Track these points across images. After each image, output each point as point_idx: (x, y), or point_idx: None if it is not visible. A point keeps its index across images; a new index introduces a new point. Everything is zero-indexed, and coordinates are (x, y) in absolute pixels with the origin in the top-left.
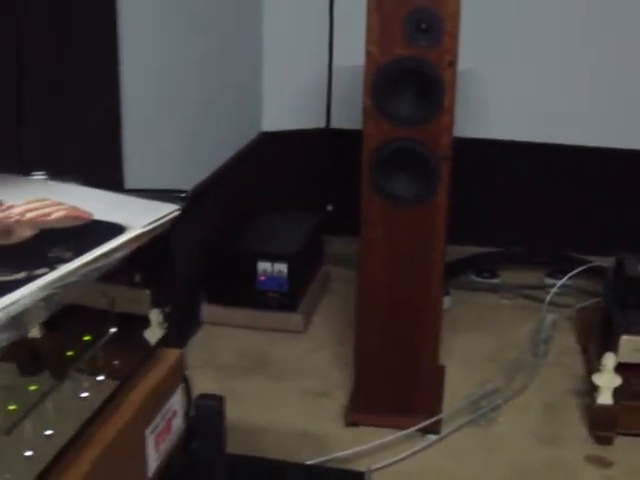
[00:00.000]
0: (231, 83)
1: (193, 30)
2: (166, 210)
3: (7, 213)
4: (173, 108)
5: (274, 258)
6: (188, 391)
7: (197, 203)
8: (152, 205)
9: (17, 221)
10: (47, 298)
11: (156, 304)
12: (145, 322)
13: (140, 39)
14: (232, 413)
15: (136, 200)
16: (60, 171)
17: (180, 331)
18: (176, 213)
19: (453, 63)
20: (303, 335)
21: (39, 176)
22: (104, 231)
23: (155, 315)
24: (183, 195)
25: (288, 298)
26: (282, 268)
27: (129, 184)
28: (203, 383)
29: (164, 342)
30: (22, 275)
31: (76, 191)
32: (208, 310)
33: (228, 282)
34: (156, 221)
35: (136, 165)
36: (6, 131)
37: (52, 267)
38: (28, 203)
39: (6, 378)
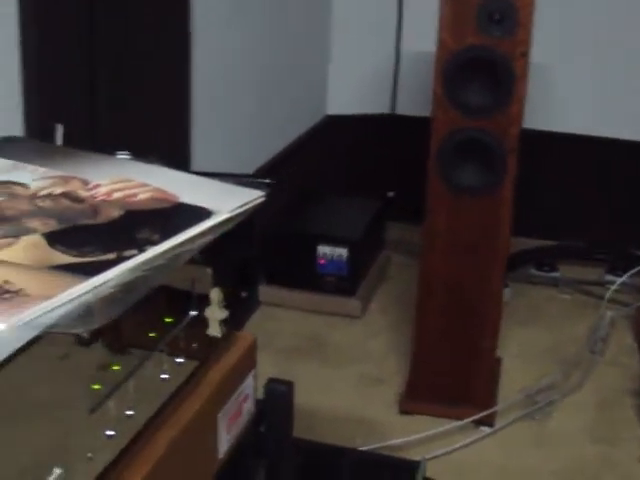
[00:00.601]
0: (298, 66)
1: (263, 12)
2: (251, 196)
3: (93, 192)
4: (239, 90)
5: (335, 242)
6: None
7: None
8: (236, 190)
9: (104, 201)
10: (135, 280)
11: (217, 283)
12: (205, 301)
13: (210, 22)
14: None
15: (220, 184)
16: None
17: (239, 311)
18: (261, 199)
19: (525, 54)
20: (360, 320)
21: (123, 156)
22: (190, 214)
23: (216, 294)
24: (268, 182)
25: (347, 283)
26: (342, 252)
27: (195, 166)
28: (260, 365)
29: (227, 322)
30: (112, 256)
31: (160, 172)
32: (266, 291)
33: (288, 264)
34: (242, 206)
35: (202, 147)
36: (85, 111)
37: (141, 249)
38: (114, 183)
39: (91, 358)
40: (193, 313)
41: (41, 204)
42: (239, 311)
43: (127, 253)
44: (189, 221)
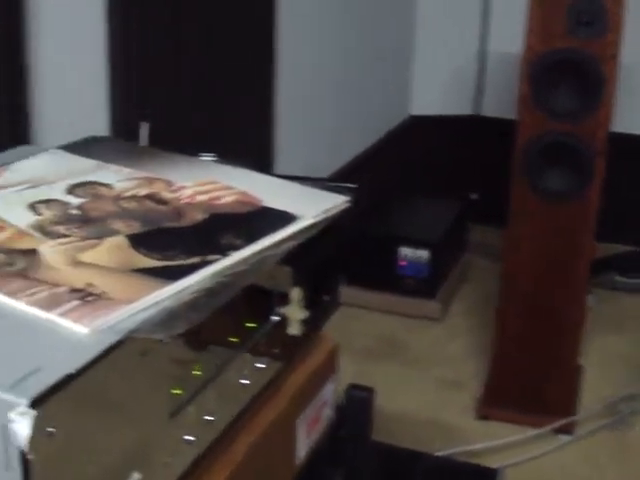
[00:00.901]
0: (381, 65)
1: (347, 12)
2: (336, 201)
3: (178, 195)
4: (322, 90)
5: (416, 244)
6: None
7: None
8: (321, 195)
9: (188, 203)
10: (218, 285)
11: (297, 282)
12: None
13: (295, 22)
14: None
15: (304, 189)
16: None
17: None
18: (345, 205)
19: (615, 56)
20: (440, 323)
21: (208, 158)
22: (274, 219)
23: (296, 294)
24: (352, 187)
25: (427, 285)
26: (424, 254)
27: (277, 167)
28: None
29: (307, 323)
30: (196, 260)
31: (244, 175)
32: (347, 292)
33: (368, 265)
34: (327, 212)
35: (285, 148)
36: (170, 111)
37: (224, 254)
38: (198, 185)
39: (172, 363)
40: (275, 318)
41: (125, 205)
42: (319, 312)
43: (210, 258)
44: (273, 226)
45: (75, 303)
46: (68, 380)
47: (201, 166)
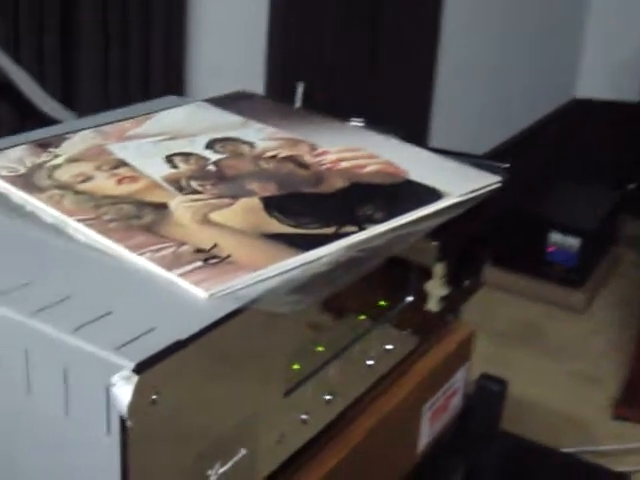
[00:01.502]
0: (548, 44)
1: None
2: (486, 180)
3: (320, 159)
4: (483, 65)
5: (568, 231)
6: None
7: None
8: (472, 172)
9: (329, 169)
10: (351, 260)
11: (442, 258)
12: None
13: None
14: None
15: (455, 164)
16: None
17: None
18: (496, 185)
19: None
20: (582, 315)
21: (357, 123)
22: (418, 194)
23: (440, 269)
24: (506, 166)
25: (575, 274)
26: (574, 242)
27: (432, 141)
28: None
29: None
30: (330, 230)
31: (393, 145)
32: (491, 272)
33: (515, 247)
34: (475, 191)
35: (440, 122)
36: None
37: (361, 226)
38: (343, 151)
39: (293, 337)
40: (409, 299)
41: (264, 166)
42: (460, 293)
43: (346, 229)
44: (416, 201)
45: (197, 264)
46: (178, 346)
47: (349, 131)
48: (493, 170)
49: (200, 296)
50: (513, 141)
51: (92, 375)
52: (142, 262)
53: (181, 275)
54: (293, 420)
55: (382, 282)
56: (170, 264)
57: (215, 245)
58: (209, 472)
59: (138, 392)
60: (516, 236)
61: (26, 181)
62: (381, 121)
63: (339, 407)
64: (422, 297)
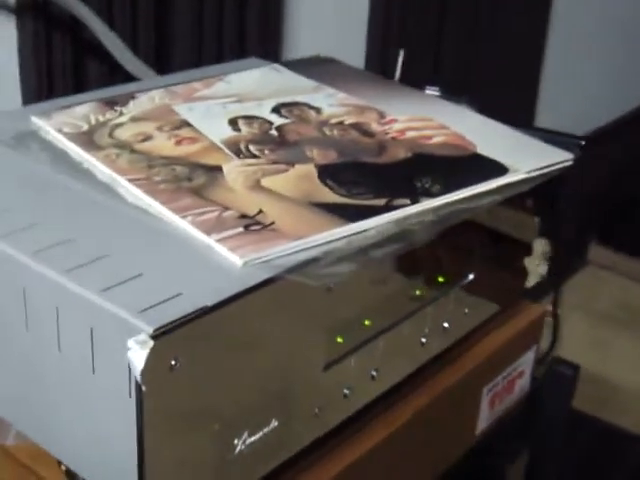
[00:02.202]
0: None
1: None
2: (557, 157)
3: (386, 128)
4: (597, 41)
5: None
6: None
7: (605, 139)
8: (543, 148)
9: (394, 138)
10: (399, 234)
11: (543, 234)
12: (527, 251)
13: None
14: (593, 363)
15: (527, 139)
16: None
17: (561, 268)
18: (568, 163)
19: None
20: None
21: (432, 92)
22: (482, 168)
23: (540, 246)
24: (581, 143)
25: None
26: None
27: (539, 118)
28: (573, 326)
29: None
30: (382, 202)
31: (464, 116)
32: (596, 251)
33: (623, 227)
34: (542, 168)
35: (548, 98)
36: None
37: (414, 199)
38: (411, 121)
39: (337, 310)
40: (471, 276)
41: (328, 132)
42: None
43: (398, 202)
44: (479, 176)
45: (238, 230)
46: (202, 313)
47: (422, 100)
48: (568, 147)
49: (235, 263)
50: (626, 117)
51: (115, 337)
52: (183, 225)
53: (219, 240)
54: (333, 394)
55: (443, 257)
56: (210, 229)
57: (260, 211)
58: (236, 441)
59: (154, 357)
60: (625, 216)
61: (86, 139)
62: (484, 95)
63: (385, 384)
64: (488, 274)
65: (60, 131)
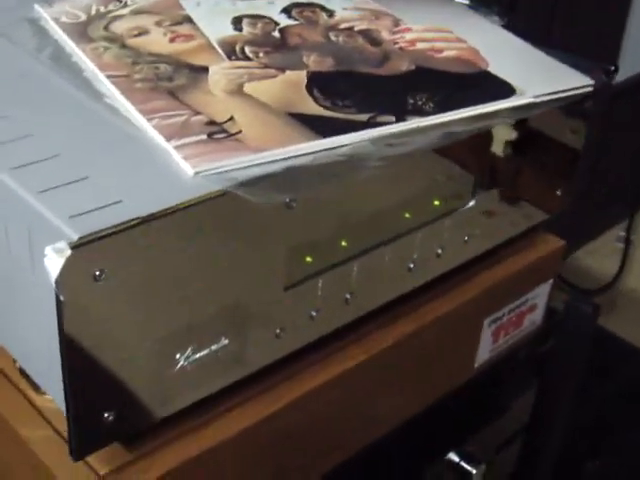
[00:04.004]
0: None
1: None
2: (574, 82)
3: (396, 37)
4: None
5: None
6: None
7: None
8: (563, 72)
9: (401, 48)
10: (371, 154)
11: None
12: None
13: None
14: None
15: (547, 60)
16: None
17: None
18: (587, 89)
19: None
20: None
21: (462, 1)
22: (488, 88)
23: None
24: (611, 69)
25: None
26: None
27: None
28: None
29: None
30: (364, 117)
31: (485, 29)
32: None
33: None
34: (555, 93)
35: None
36: None
37: (400, 117)
38: (425, 31)
39: (305, 228)
40: (471, 203)
41: (333, 38)
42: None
43: (382, 118)
44: (480, 96)
45: (200, 137)
46: (137, 224)
47: (447, 9)
48: (594, 74)
49: (187, 172)
50: None
51: (47, 240)
52: (147, 128)
53: (177, 147)
54: (297, 316)
55: (442, 180)
56: (172, 133)
57: (231, 119)
58: (177, 355)
59: (74, 267)
60: None
61: (80, 30)
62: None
63: (362, 309)
64: (492, 202)
65: (57, 20)
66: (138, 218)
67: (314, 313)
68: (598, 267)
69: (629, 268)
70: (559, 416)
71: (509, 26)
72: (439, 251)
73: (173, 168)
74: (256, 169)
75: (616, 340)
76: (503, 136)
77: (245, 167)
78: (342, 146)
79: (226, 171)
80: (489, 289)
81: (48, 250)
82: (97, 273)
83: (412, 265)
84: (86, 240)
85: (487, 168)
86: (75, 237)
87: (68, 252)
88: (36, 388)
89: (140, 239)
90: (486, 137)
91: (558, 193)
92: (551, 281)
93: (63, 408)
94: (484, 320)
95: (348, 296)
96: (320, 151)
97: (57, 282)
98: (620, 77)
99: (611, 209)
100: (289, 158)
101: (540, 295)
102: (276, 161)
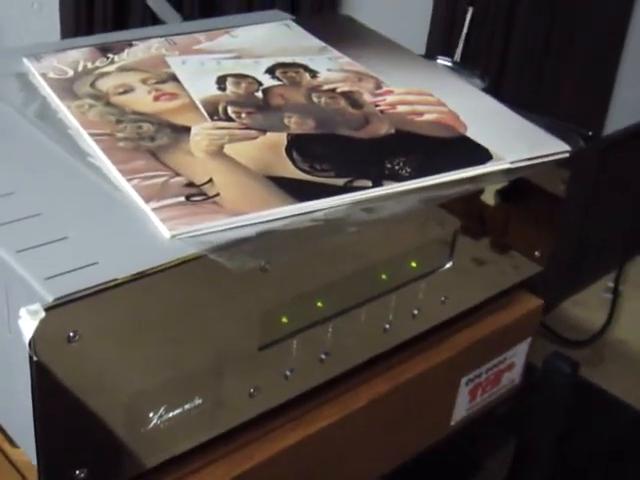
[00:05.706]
0: None
1: None
2: (552, 148)
3: (378, 99)
4: None
5: None
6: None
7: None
8: (540, 137)
9: (382, 111)
10: (347, 218)
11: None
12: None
13: None
14: None
15: (525, 125)
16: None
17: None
18: (562, 155)
19: None
20: None
21: (444, 62)
22: (465, 154)
23: None
24: (587, 134)
25: None
26: None
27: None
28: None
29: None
30: (341, 181)
31: (466, 92)
32: None
33: None
34: (533, 159)
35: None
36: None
37: (377, 182)
38: (406, 94)
39: (281, 290)
40: (448, 265)
41: (315, 99)
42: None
43: (359, 183)
44: (457, 161)
45: (178, 200)
46: (111, 286)
47: (428, 71)
48: (568, 138)
49: (163, 235)
50: None
51: (23, 301)
52: (128, 188)
53: (155, 209)
54: (271, 375)
55: (419, 242)
56: (151, 195)
57: (209, 181)
58: (151, 414)
59: (48, 328)
60: None
61: (66, 86)
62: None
63: (336, 369)
64: (470, 263)
65: (44, 76)
66: (113, 280)
67: (289, 373)
68: (586, 318)
69: (617, 319)
70: (537, 475)
71: (489, 90)
72: (415, 312)
73: (150, 230)
74: (232, 233)
75: (601, 393)
76: (482, 199)
77: (221, 230)
78: (318, 210)
79: (202, 234)
80: (466, 349)
81: (22, 312)
82: (71, 334)
83: (388, 326)
84: (60, 302)
85: (465, 230)
86: (50, 299)
87: (42, 314)
88: (11, 442)
89: (114, 301)
90: (464, 200)
91: (537, 254)
92: (529, 339)
93: (35, 463)
94: (461, 379)
95: (323, 356)
96: (296, 215)
97: (30, 343)
98: (611, 129)
99: (600, 260)
100: (265, 222)
101: (518, 354)
102: (252, 224)
